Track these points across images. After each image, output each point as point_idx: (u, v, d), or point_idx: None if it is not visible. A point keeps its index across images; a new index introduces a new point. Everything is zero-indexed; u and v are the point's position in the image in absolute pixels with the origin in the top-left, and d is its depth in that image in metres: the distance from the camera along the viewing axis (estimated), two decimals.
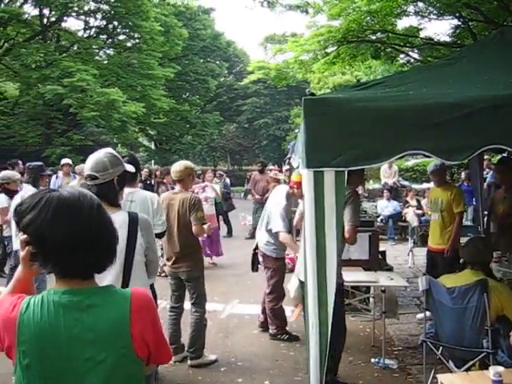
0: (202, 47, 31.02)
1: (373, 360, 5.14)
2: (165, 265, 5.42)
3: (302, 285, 4.03)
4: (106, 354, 1.57)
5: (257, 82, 19.49)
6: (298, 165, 4.57)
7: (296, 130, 6.92)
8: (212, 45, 31.91)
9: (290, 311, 6.61)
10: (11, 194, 6.99)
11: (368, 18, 9.99)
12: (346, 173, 3.11)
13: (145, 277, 2.98)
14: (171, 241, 5.08)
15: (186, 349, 5.26)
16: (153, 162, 32.66)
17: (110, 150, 3.02)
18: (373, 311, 6.10)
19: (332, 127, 3.02)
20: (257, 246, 6.12)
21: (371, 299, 6.33)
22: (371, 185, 15.35)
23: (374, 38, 11.22)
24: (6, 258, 9.14)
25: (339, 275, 4.26)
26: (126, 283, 2.75)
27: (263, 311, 6.22)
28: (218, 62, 33.45)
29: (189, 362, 5.15)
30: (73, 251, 1.58)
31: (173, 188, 9.07)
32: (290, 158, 7.09)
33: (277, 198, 5.91)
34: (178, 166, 5.17)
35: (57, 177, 11.54)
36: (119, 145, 26.28)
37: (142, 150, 34.64)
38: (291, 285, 5.41)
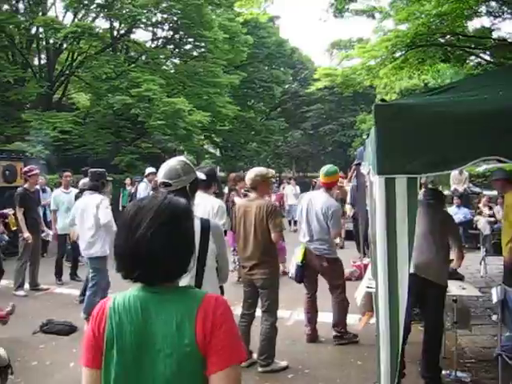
0: (267, 54, 31.16)
1: (444, 372, 4.96)
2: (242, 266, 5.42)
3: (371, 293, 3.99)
4: (172, 349, 1.65)
5: (322, 88, 19.35)
6: (368, 171, 4.52)
7: (364, 136, 6.84)
8: (277, 52, 31.98)
9: (357, 319, 6.51)
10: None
11: (437, 20, 9.73)
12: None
13: (216, 282, 3.01)
14: (247, 248, 5.13)
15: (255, 355, 5.28)
16: (218, 168, 33.06)
17: (182, 158, 3.09)
18: (444, 321, 5.93)
19: (404, 133, 2.95)
20: (304, 257, 5.98)
21: None
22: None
23: (443, 41, 10.94)
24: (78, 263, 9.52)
25: (446, 279, 4.26)
26: (198, 287, 2.79)
27: (310, 320, 6.15)
28: (282, 69, 33.50)
29: (259, 369, 5.17)
30: (160, 262, 1.69)
31: (245, 195, 9.21)
32: (357, 164, 7.01)
33: (327, 200, 5.96)
34: (249, 174, 5.23)
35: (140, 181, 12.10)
36: (185, 152, 26.75)
37: (208, 157, 35.13)
38: (358, 293, 5.35)
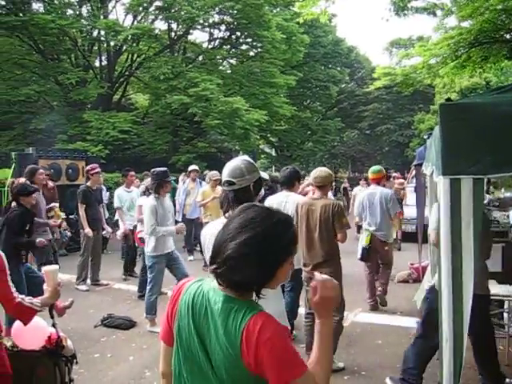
0: (323, 54, 30.93)
1: (507, 380, 4.82)
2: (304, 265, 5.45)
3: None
4: (222, 355, 1.66)
5: (379, 87, 19.09)
6: (431, 172, 4.43)
7: (423, 136, 6.73)
8: (333, 51, 31.71)
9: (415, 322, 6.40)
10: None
11: (503, 16, 9.45)
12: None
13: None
14: (312, 247, 5.15)
15: None
16: (273, 168, 33.13)
17: (246, 157, 3.11)
18: (507, 327, 5.74)
19: (470, 133, 2.87)
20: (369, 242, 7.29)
21: (505, 314, 5.96)
22: (502, 193, 14.49)
23: (508, 37, 10.60)
24: (135, 259, 9.74)
25: (484, 288, 4.12)
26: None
27: (371, 292, 7.43)
28: (339, 69, 33.20)
29: None
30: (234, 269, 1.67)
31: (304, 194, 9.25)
32: (417, 165, 6.89)
33: (382, 190, 7.48)
34: (320, 173, 5.26)
35: (184, 182, 12.12)
36: (241, 152, 26.92)
37: (264, 157, 35.23)
38: (418, 296, 5.26)
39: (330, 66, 32.88)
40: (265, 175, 3.30)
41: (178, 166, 20.51)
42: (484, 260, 4.56)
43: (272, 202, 6.30)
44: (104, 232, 9.20)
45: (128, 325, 6.63)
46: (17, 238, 5.83)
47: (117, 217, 10.32)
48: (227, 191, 2.95)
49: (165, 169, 6.76)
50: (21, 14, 19.54)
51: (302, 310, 6.30)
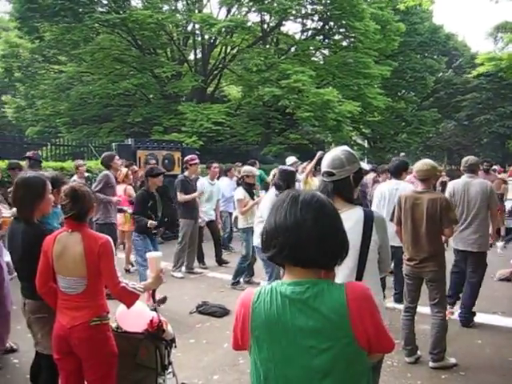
0: (420, 42, 29.89)
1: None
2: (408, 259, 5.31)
3: None
4: (329, 343, 1.67)
5: (479, 75, 18.18)
6: None
7: None
8: (430, 39, 30.52)
9: None
10: (249, 187, 8.09)
11: None
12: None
13: (376, 274, 2.92)
14: (417, 241, 5.03)
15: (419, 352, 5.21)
16: (366, 160, 32.56)
17: (346, 147, 3.04)
18: None
19: None
20: None
21: None
22: None
23: None
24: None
25: None
26: (359, 279, 2.73)
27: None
28: (435, 57, 31.99)
29: (430, 364, 5.06)
30: (305, 243, 1.72)
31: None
32: None
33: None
34: (423, 165, 5.09)
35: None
36: (333, 143, 26.64)
37: (356, 149, 34.69)
38: None
39: (427, 54, 31.72)
40: (365, 166, 3.21)
41: (270, 157, 20.63)
42: None
43: (384, 189, 6.76)
44: (200, 220, 9.39)
45: (222, 312, 6.73)
46: (137, 216, 7.01)
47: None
48: (326, 182, 2.88)
49: (293, 169, 6.97)
50: (121, 12, 20.32)
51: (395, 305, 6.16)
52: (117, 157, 8.47)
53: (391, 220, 5.24)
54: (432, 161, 5.37)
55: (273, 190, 6.59)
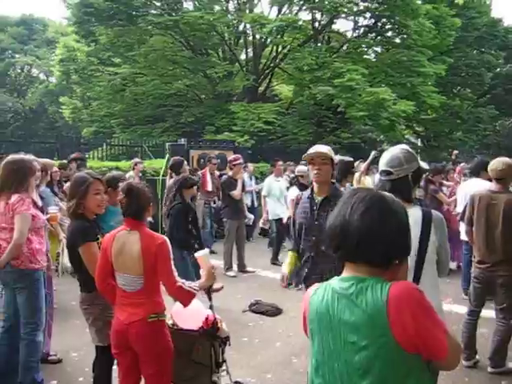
0: (477, 37, 28.95)
1: None
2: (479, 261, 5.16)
3: None
4: (367, 341, 1.67)
5: None
6: None
7: None
8: (488, 34, 29.46)
9: None
10: (303, 187, 7.82)
11: None
12: None
13: (435, 275, 2.86)
14: (492, 244, 4.80)
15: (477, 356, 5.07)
16: (419, 158, 31.86)
17: (405, 146, 3.01)
18: None
19: None
20: None
21: None
22: None
23: None
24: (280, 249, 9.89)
25: None
26: (416, 279, 2.68)
27: None
28: (493, 52, 30.93)
29: (489, 369, 4.92)
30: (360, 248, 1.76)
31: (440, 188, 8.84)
32: None
33: None
34: (497, 165, 4.83)
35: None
36: (386, 142, 26.26)
37: (410, 148, 33.95)
38: None
39: (484, 49, 30.71)
40: (425, 165, 3.15)
41: None
42: None
43: (465, 189, 6.57)
44: (246, 220, 9.45)
45: (275, 312, 6.74)
46: (179, 233, 6.33)
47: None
48: (384, 181, 2.86)
49: (350, 159, 6.76)
50: (173, 14, 20.64)
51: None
52: (185, 162, 8.57)
53: (461, 219, 5.09)
54: (510, 159, 5.02)
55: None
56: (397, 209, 1.82)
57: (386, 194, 1.87)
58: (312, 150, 3.81)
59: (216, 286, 5.86)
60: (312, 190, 3.92)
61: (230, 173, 9.31)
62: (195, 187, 6.96)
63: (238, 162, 9.14)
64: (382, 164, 2.89)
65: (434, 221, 2.76)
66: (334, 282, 1.82)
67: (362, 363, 1.68)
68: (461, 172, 9.43)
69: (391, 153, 2.91)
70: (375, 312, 1.66)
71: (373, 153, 8.94)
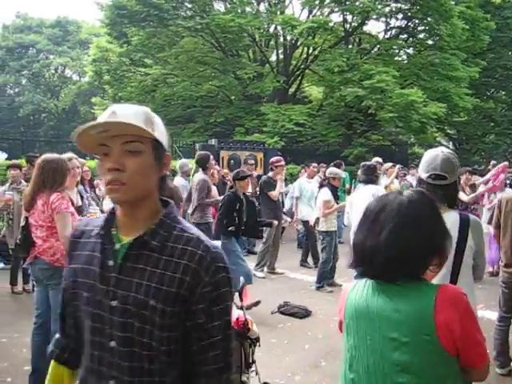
0: None
1: None
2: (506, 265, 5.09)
3: None
4: (409, 337, 1.68)
5: None
6: None
7: None
8: None
9: None
10: (335, 189, 8.19)
11: None
12: None
13: (471, 280, 2.80)
14: None
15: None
16: None
17: (446, 149, 2.89)
18: None
19: None
20: None
21: None
22: None
23: None
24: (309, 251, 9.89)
25: None
26: (453, 284, 2.64)
27: None
28: None
29: None
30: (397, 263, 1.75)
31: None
32: None
33: None
34: None
35: None
36: (416, 145, 25.96)
37: None
38: None
39: None
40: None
41: (351, 159, 20.37)
42: None
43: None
44: (283, 221, 9.46)
45: (304, 313, 6.71)
46: (224, 219, 6.96)
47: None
48: (434, 185, 2.69)
49: (374, 164, 7.15)
50: (204, 16, 20.76)
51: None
52: (211, 157, 8.52)
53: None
54: None
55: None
56: (426, 215, 1.81)
57: (411, 198, 1.83)
58: None
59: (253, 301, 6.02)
60: None
61: (271, 173, 9.39)
62: (246, 180, 7.28)
63: (280, 163, 9.25)
64: (432, 168, 2.73)
65: (472, 225, 2.70)
66: (373, 283, 1.83)
67: (401, 360, 1.69)
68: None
69: (442, 156, 2.75)
70: (421, 311, 1.68)
71: (397, 167, 10.09)
